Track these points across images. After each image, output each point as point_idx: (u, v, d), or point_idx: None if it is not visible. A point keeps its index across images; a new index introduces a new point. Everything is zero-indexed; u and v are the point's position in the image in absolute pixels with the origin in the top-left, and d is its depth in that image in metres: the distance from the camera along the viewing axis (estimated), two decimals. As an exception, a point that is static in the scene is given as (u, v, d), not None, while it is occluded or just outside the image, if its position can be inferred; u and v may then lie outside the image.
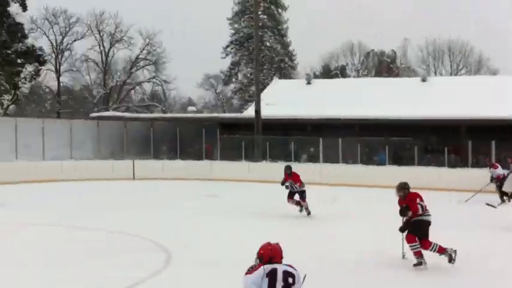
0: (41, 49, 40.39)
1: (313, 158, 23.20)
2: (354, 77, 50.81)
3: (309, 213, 12.82)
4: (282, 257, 4.60)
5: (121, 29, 47.25)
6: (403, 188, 8.29)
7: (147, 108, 47.12)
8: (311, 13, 64.88)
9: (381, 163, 21.76)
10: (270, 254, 4.55)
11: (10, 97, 40.13)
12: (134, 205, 14.85)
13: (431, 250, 7.90)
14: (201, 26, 66.17)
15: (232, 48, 52.12)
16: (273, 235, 10.54)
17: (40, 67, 41.15)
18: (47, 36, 45.94)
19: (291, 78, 47.88)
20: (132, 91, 50.75)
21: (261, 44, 42.66)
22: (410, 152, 22.03)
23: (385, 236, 9.25)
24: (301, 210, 12.91)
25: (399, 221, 8.22)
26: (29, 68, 40.22)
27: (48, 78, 46.72)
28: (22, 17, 39.95)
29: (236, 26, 51.90)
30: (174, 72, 60.27)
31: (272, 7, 51.38)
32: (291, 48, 52.75)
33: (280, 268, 4.48)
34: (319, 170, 21.18)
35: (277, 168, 20.92)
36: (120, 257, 8.54)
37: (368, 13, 63.17)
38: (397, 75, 48.83)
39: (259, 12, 41.26)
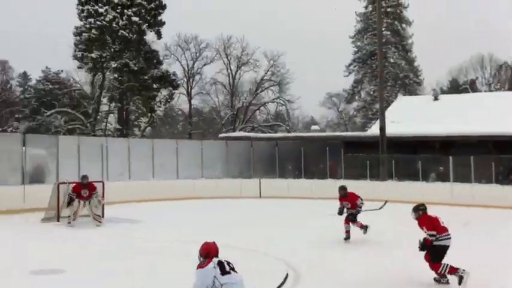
0: (174, 74, 43.20)
1: (442, 177, 22.26)
2: (485, 91, 48.06)
3: (346, 238, 12.11)
4: (217, 253, 5.64)
5: (247, 52, 49.17)
6: (416, 209, 8.07)
7: (271, 128, 48.21)
8: (437, 26, 62.70)
9: (519, 183, 20.33)
10: (208, 251, 5.61)
11: (147, 120, 43.25)
12: (261, 223, 15.26)
13: (441, 271, 7.69)
14: (323, 45, 66.82)
15: (355, 66, 51.92)
16: (397, 254, 10.43)
17: (173, 91, 43.95)
18: (179, 62, 49.02)
19: (416, 94, 46.46)
20: (257, 111, 52.28)
21: (384, 61, 42.00)
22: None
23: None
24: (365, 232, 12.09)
25: None
26: (164, 92, 43.10)
27: (180, 101, 49.76)
28: (157, 45, 43.10)
29: (359, 43, 51.68)
30: (297, 92, 61.34)
31: (396, 23, 50.51)
32: (416, 63, 51.37)
33: (221, 259, 5.55)
34: (449, 190, 20.33)
35: (404, 188, 20.56)
36: (249, 273, 8.81)
37: (498, 23, 59.74)
38: (533, 88, 45.45)
39: (383, 29, 40.75)
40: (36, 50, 66.49)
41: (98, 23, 38.82)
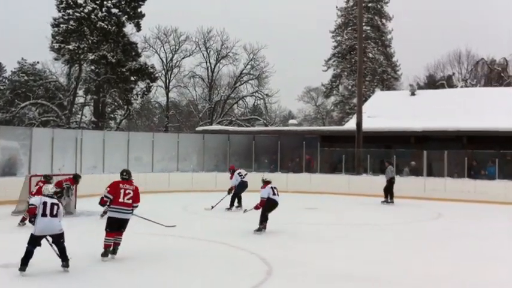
0: (152, 67, 42.77)
1: (415, 172, 22.48)
2: (461, 87, 48.61)
3: None
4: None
5: (227, 46, 48.97)
6: None
7: (248, 121, 48.12)
8: (417, 22, 63.34)
9: (491, 177, 20.60)
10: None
11: (123, 112, 42.82)
12: (238, 216, 15.14)
13: None
14: (303, 40, 67.02)
15: (334, 61, 52.10)
16: (373, 247, 10.50)
17: (151, 84, 43.50)
18: (158, 54, 48.60)
19: (394, 89, 46.90)
20: (235, 105, 52.10)
21: (363, 56, 42.19)
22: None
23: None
24: None
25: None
26: (141, 85, 42.68)
27: (157, 94, 49.32)
28: (136, 37, 42.67)
29: (339, 38, 51.88)
30: (276, 86, 61.45)
31: (376, 18, 50.83)
32: (394, 59, 51.80)
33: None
34: (422, 184, 20.58)
35: (378, 182, 20.71)
36: (223, 267, 8.76)
37: (477, 20, 60.61)
38: (508, 84, 46.06)
39: (363, 24, 40.90)
40: (12, 41, 65.33)
41: (77, 14, 38.22)
